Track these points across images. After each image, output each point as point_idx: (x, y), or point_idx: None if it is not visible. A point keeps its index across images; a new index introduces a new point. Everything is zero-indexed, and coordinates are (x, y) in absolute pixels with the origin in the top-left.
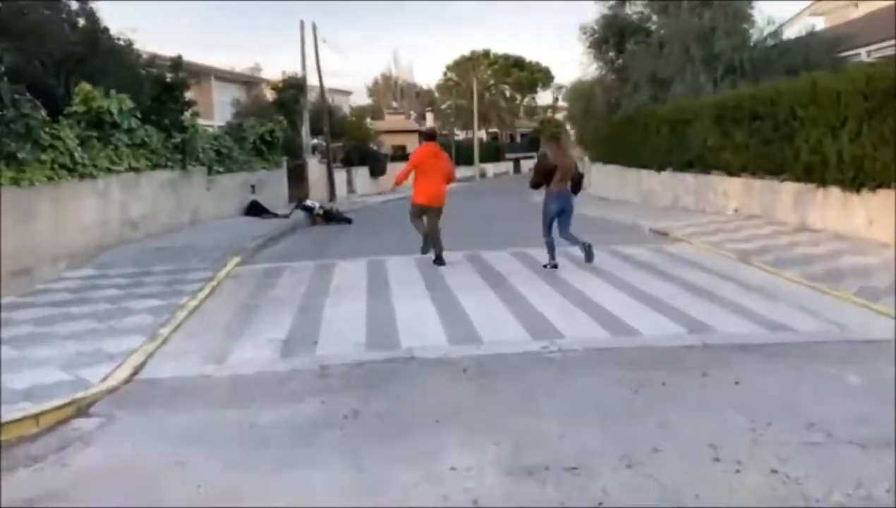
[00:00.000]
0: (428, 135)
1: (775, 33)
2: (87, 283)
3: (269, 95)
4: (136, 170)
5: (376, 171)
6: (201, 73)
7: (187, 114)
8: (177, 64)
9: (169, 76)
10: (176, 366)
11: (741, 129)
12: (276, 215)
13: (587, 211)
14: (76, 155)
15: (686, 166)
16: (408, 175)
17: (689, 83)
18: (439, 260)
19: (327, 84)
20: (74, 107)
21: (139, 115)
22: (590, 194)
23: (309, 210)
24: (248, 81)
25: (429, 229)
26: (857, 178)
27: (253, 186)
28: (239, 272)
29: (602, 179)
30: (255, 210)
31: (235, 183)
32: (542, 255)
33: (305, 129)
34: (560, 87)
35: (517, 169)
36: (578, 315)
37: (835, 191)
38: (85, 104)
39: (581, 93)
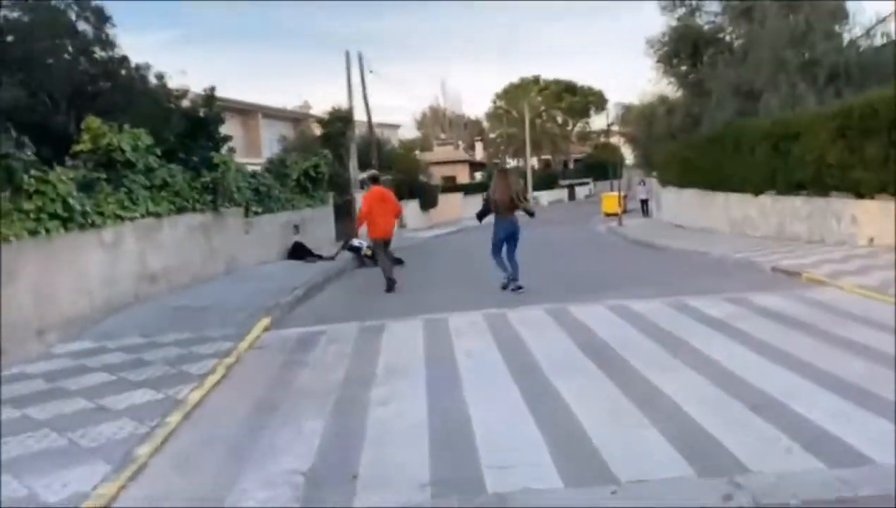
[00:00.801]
0: (373, 179)
1: (881, 34)
2: (70, 365)
3: (317, 130)
4: (156, 215)
5: (427, 204)
6: (249, 112)
7: (223, 150)
8: (210, 97)
9: (201, 110)
10: None
11: (876, 142)
12: (320, 257)
13: (673, 243)
14: (71, 201)
15: (795, 188)
16: (365, 218)
17: (785, 93)
18: (390, 286)
19: (375, 119)
20: (80, 145)
21: (159, 153)
22: (662, 221)
23: (356, 250)
24: (296, 118)
25: (382, 257)
26: None
27: (296, 226)
28: (265, 340)
29: (677, 205)
30: (298, 253)
31: (277, 223)
32: (653, 312)
33: (353, 163)
34: (627, 106)
35: (572, 196)
36: (750, 420)
37: None
38: (93, 142)
39: (643, 115)
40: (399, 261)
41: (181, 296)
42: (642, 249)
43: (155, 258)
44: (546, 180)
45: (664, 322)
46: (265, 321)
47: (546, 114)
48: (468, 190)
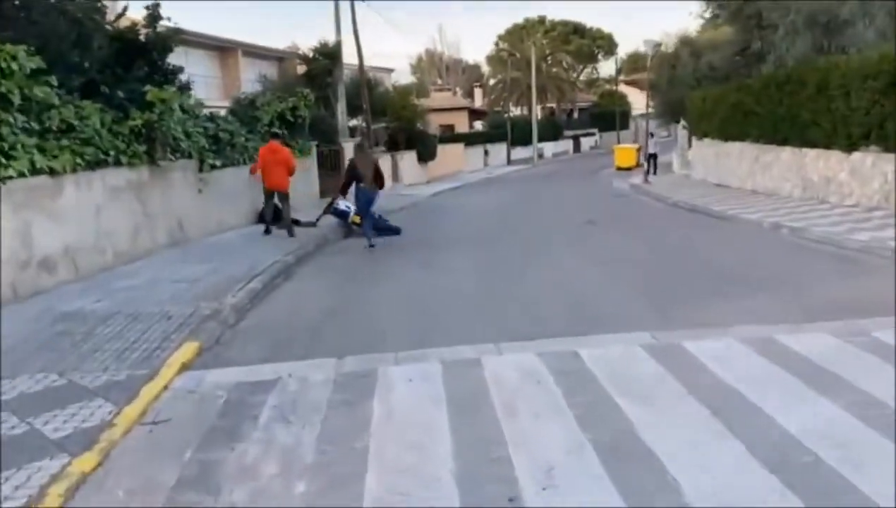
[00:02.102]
0: (271, 135)
1: None
2: None
3: (301, 70)
4: (49, 172)
5: (425, 156)
6: (227, 49)
7: (171, 88)
8: (153, 15)
9: (143, 33)
10: None
11: None
12: (298, 222)
13: (737, 210)
14: None
15: None
16: (257, 169)
17: (882, 24)
18: (291, 232)
19: (367, 63)
20: None
21: (55, 82)
22: (693, 180)
23: (342, 215)
24: (281, 57)
25: (282, 208)
26: None
27: None
28: (173, 399)
29: (717, 161)
30: (265, 218)
31: (244, 179)
32: (848, 361)
33: (341, 107)
34: (658, 44)
35: (577, 147)
36: None
37: None
38: None
39: (664, 58)
40: (394, 231)
41: (85, 291)
42: (697, 218)
43: (49, 235)
44: (551, 130)
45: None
46: (189, 348)
47: (552, 57)
48: (469, 140)
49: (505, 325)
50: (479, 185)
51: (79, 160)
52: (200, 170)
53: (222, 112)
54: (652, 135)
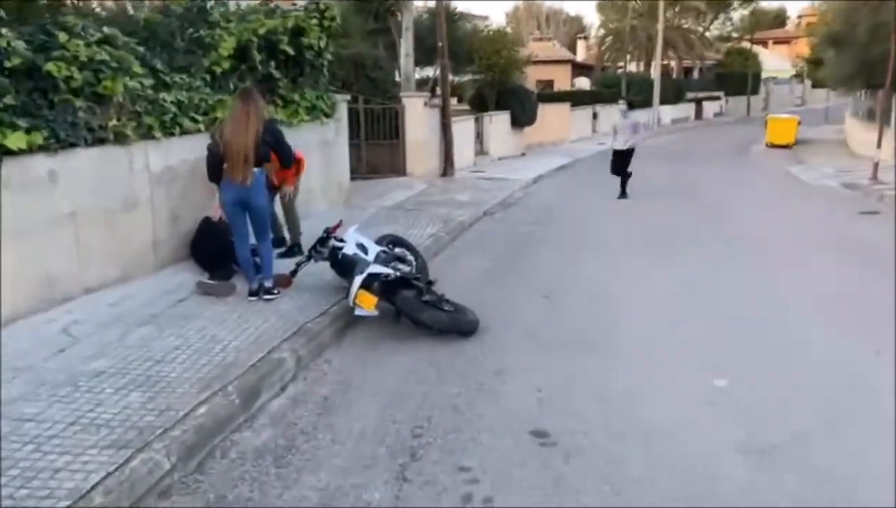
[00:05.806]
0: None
1: None
2: None
3: None
4: None
5: (522, 119)
6: None
7: None
8: None
9: None
10: None
11: None
12: (227, 268)
13: None
14: None
15: None
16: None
17: None
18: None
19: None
20: None
21: None
22: None
23: (344, 265)
24: None
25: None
26: None
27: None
28: None
29: None
30: (205, 251)
31: (148, 173)
32: None
33: (405, 47)
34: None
35: (699, 113)
36: None
37: None
38: None
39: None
40: (462, 329)
41: None
42: None
43: None
44: (672, 91)
45: None
46: None
47: (681, 4)
48: (575, 99)
49: None
50: (594, 164)
51: None
52: None
53: None
54: (630, 105)
